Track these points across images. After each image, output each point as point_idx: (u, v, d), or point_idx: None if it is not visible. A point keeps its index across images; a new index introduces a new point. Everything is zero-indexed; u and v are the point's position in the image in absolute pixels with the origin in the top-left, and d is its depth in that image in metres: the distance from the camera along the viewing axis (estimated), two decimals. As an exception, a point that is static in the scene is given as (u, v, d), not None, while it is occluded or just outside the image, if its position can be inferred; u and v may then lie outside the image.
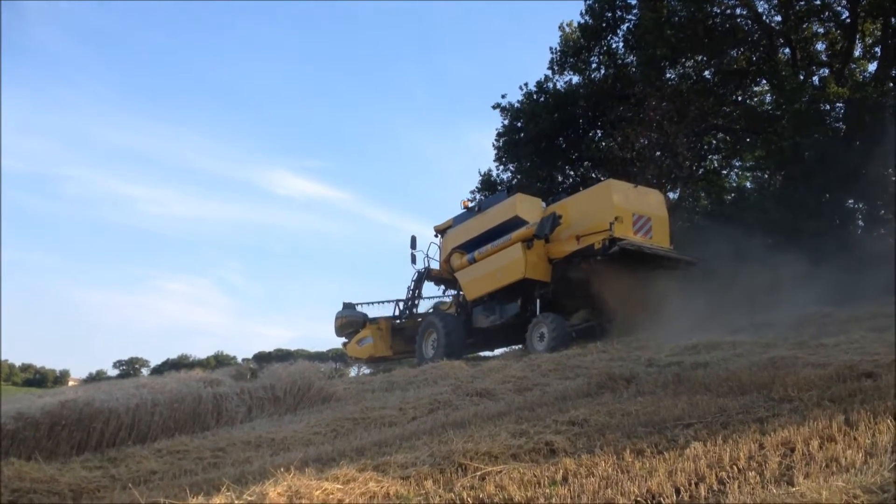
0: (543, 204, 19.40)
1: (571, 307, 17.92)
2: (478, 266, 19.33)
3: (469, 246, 19.85)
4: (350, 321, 22.13)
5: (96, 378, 76.44)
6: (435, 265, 21.68)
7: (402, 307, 22.46)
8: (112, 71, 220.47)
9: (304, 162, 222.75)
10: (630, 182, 19.86)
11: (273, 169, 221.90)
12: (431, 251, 21.96)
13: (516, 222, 18.48)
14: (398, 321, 22.22)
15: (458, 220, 21.16)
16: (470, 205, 21.75)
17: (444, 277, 21.32)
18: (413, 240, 21.97)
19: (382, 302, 22.78)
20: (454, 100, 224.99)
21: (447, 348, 18.66)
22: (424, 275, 21.95)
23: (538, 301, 18.27)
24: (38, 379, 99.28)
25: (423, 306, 22.76)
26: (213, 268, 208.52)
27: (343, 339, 22.78)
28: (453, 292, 21.61)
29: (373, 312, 22.57)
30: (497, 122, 46.24)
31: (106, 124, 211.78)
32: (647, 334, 14.62)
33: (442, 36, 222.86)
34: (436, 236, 22.10)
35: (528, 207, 18.93)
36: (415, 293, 22.35)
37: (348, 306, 22.54)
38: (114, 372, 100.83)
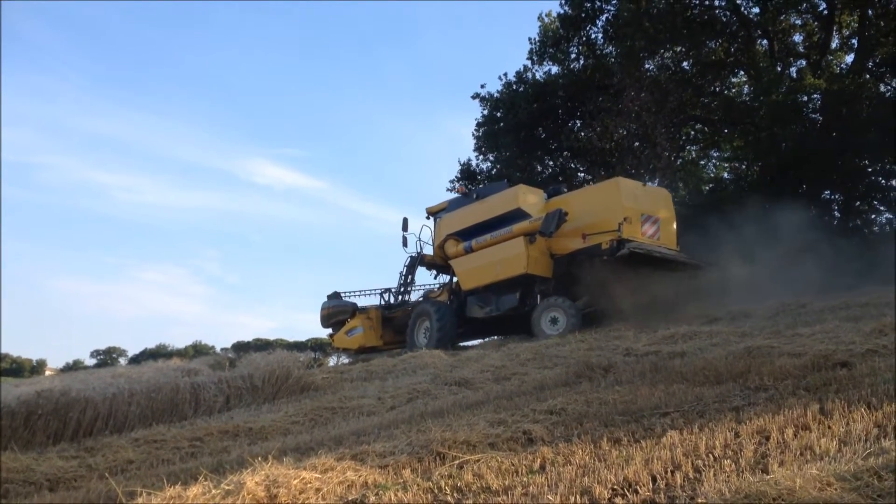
0: (545, 196, 18.96)
1: (571, 295, 17.42)
2: (475, 256, 19.00)
3: (465, 234, 19.49)
4: (338, 311, 21.74)
5: (73, 368, 76.11)
6: (428, 250, 21.33)
7: (394, 293, 21.97)
8: (88, 59, 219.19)
9: (282, 150, 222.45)
10: (637, 179, 19.65)
11: (250, 157, 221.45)
12: (424, 235, 21.60)
13: (518, 214, 18.16)
14: (388, 310, 21.69)
15: (453, 204, 20.84)
16: (466, 191, 21.42)
17: (437, 263, 20.92)
18: (405, 222, 21.56)
19: (368, 292, 22.43)
20: (433, 88, 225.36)
21: (440, 337, 18.41)
22: (418, 260, 21.56)
23: (538, 296, 17.94)
24: (14, 368, 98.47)
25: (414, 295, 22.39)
26: (189, 257, 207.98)
27: (329, 331, 22.35)
28: (444, 279, 21.28)
29: (359, 302, 22.18)
30: (476, 111, 46.20)
31: (81, 112, 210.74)
32: (642, 322, 14.57)
33: (420, 24, 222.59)
34: (427, 218, 21.71)
35: (531, 200, 18.58)
36: (407, 279, 21.96)
37: (334, 296, 22.16)
38: (91, 361, 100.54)
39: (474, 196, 20.26)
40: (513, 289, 18.21)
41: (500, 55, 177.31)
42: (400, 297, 21.78)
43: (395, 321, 21.25)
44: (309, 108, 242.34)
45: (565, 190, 20.68)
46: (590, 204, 17.61)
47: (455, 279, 20.04)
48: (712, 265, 17.59)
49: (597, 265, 16.52)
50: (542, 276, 17.63)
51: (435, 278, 21.90)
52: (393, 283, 22.15)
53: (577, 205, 17.61)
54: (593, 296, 16.75)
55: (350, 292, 22.37)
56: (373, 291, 22.33)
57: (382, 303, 21.99)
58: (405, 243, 21.42)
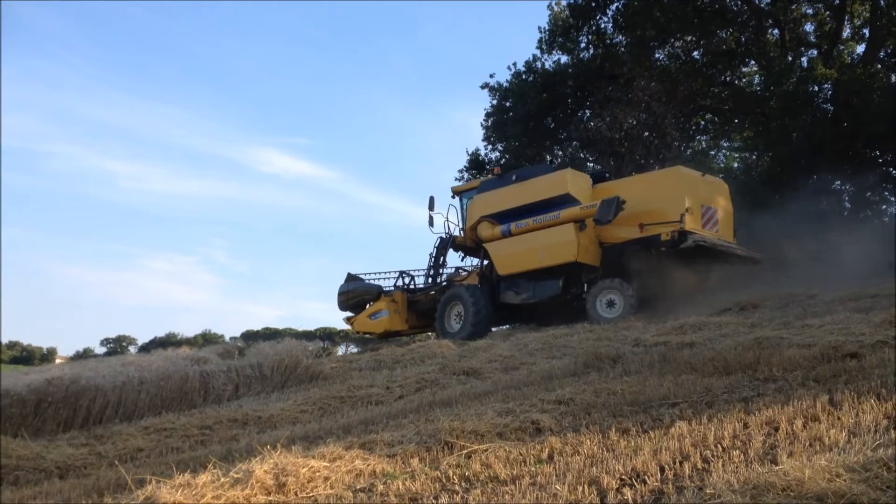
0: (591, 182, 18.28)
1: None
2: (515, 241, 18.18)
3: (501, 216, 18.68)
4: (361, 293, 20.99)
5: (83, 356, 76.53)
6: (442, 230, 20.78)
7: (425, 275, 21.08)
8: (97, 47, 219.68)
9: (290, 139, 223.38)
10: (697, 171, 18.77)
11: (259, 146, 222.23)
12: (452, 215, 20.88)
13: (566, 199, 17.40)
14: (414, 293, 20.92)
15: (486, 185, 20.00)
16: (502, 172, 20.71)
17: (467, 245, 20.15)
18: (431, 201, 20.83)
19: (385, 275, 21.63)
20: (441, 78, 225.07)
21: (476, 323, 17.92)
22: (449, 241, 20.72)
23: (585, 285, 17.39)
24: (24, 356, 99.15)
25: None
26: (198, 246, 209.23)
27: (348, 314, 21.48)
28: (472, 263, 20.78)
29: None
30: (485, 101, 46.12)
31: (90, 100, 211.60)
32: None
33: (428, 13, 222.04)
34: (453, 198, 21.04)
35: (580, 185, 17.85)
36: (438, 261, 21.03)
37: (353, 278, 21.37)
38: (101, 350, 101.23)
39: (513, 178, 19.35)
40: (555, 276, 17.61)
41: (506, 46, 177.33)
42: (430, 280, 20.97)
43: (419, 305, 20.63)
44: (316, 97, 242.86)
45: (608, 175, 20.19)
46: (647, 192, 16.98)
47: (485, 263, 19.47)
48: (770, 259, 17.27)
49: (653, 256, 16.13)
50: (590, 264, 17.06)
51: (462, 260, 21.40)
52: (400, 268, 21.49)
53: (632, 192, 16.86)
54: (645, 287, 16.22)
55: (367, 274, 21.64)
56: (389, 274, 21.57)
57: (402, 286, 21.24)
58: (431, 223, 20.70)
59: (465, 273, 21.03)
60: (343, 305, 21.29)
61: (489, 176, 20.66)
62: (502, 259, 18.46)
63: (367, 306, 20.97)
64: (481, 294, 18.58)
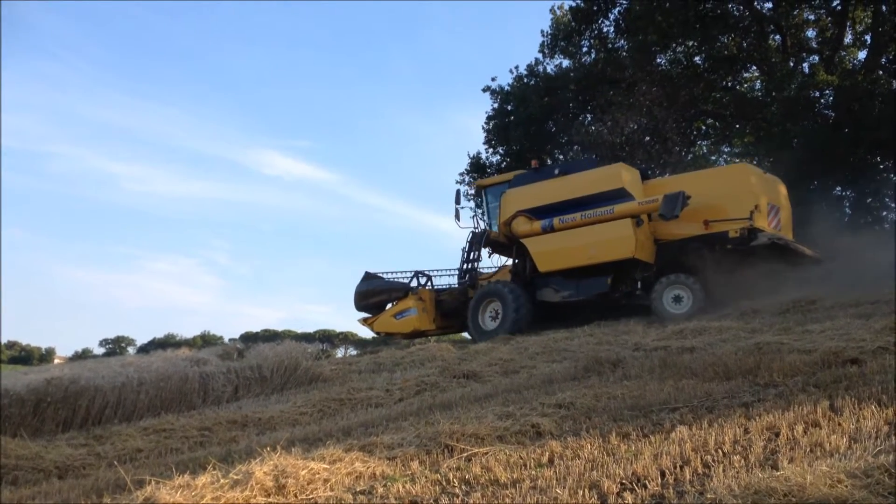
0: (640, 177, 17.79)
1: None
2: (558, 236, 17.45)
3: (540, 211, 17.94)
4: (385, 291, 20.13)
5: (82, 356, 76.60)
6: (483, 224, 20.07)
7: (458, 272, 20.17)
8: (99, 48, 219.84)
9: (292, 142, 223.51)
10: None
11: (260, 149, 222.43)
12: (481, 209, 20.01)
13: (619, 194, 16.85)
14: (440, 292, 20.05)
15: (521, 179, 19.29)
16: (539, 165, 20.10)
17: (499, 241, 19.35)
18: (458, 195, 20.37)
19: (400, 274, 20.73)
20: (442, 81, 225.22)
21: (516, 321, 17.27)
22: (482, 236, 19.81)
23: (639, 283, 16.96)
24: (23, 356, 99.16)
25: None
26: (199, 247, 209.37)
27: (364, 315, 20.55)
28: (497, 261, 19.97)
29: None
30: (486, 104, 46.14)
31: (93, 102, 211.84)
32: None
33: (431, 16, 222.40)
34: (476, 194, 20.31)
35: (633, 180, 17.37)
36: (469, 256, 20.05)
37: (372, 277, 20.49)
38: (100, 350, 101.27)
39: (556, 172, 18.69)
40: (602, 273, 16.98)
41: (508, 49, 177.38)
42: (467, 277, 19.91)
43: (443, 304, 19.78)
44: (318, 100, 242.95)
45: (649, 172, 19.74)
46: (710, 188, 16.47)
47: (519, 260, 18.75)
48: (829, 259, 16.84)
49: (716, 253, 15.69)
50: (645, 261, 16.55)
51: (489, 257, 20.65)
52: (399, 269, 20.83)
53: (693, 188, 16.17)
54: (705, 286, 15.78)
55: (388, 273, 20.72)
56: (403, 275, 20.71)
57: (426, 284, 20.38)
58: (458, 217, 20.08)
59: (495, 270, 20.20)
60: (362, 305, 20.50)
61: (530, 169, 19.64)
62: (543, 255, 17.75)
63: (390, 306, 20.20)
64: (521, 292, 17.90)
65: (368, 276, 20.54)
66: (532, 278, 18.23)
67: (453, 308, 19.48)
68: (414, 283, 20.34)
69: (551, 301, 17.89)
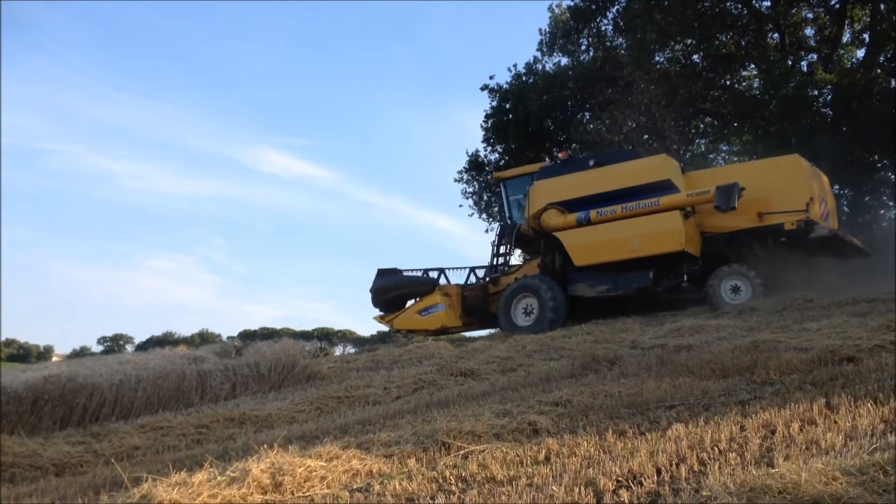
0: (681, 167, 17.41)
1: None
2: (598, 229, 16.91)
3: (573, 204, 17.41)
4: (410, 286, 19.33)
5: (80, 354, 76.52)
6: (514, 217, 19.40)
7: (488, 267, 19.43)
8: (98, 47, 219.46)
9: (290, 140, 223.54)
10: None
11: (258, 146, 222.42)
12: (508, 201, 19.56)
13: (664, 186, 16.43)
14: (468, 286, 19.41)
15: (549, 171, 18.71)
16: (569, 156, 19.59)
17: (526, 235, 18.70)
18: (488, 184, 19.91)
19: (414, 271, 19.86)
20: (441, 79, 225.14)
21: (553, 318, 16.70)
22: (514, 229, 18.86)
23: (685, 276, 16.67)
24: (21, 354, 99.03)
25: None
26: (197, 245, 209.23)
27: (379, 313, 19.72)
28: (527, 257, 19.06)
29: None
30: (484, 102, 46.20)
31: (91, 100, 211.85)
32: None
33: (428, 14, 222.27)
34: (496, 186, 19.67)
35: (677, 171, 17.02)
36: (499, 250, 19.29)
37: (390, 272, 19.67)
38: (98, 348, 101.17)
39: (590, 163, 18.06)
40: (643, 267, 16.52)
41: (507, 47, 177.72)
42: (499, 272, 19.22)
43: (466, 300, 19.06)
44: (316, 97, 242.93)
45: (682, 165, 19.30)
46: (764, 180, 16.00)
47: (547, 255, 18.26)
48: (875, 252, 16.77)
49: (768, 247, 15.52)
50: (692, 254, 16.15)
51: (508, 252, 19.59)
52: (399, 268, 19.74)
53: (741, 180, 15.61)
54: (763, 277, 15.44)
55: (409, 270, 19.87)
56: (415, 271, 19.88)
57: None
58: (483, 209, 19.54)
59: (518, 265, 19.61)
60: (379, 301, 19.64)
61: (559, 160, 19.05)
62: (580, 249, 17.16)
63: (411, 302, 19.40)
64: (557, 287, 17.32)
65: (386, 272, 19.80)
66: (563, 272, 17.77)
67: (474, 304, 18.97)
68: (437, 279, 19.62)
69: (586, 296, 17.39)
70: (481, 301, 19.03)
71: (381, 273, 19.72)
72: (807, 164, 16.71)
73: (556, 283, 17.47)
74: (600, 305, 17.21)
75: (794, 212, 15.41)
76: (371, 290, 19.61)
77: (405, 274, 19.66)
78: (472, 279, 19.98)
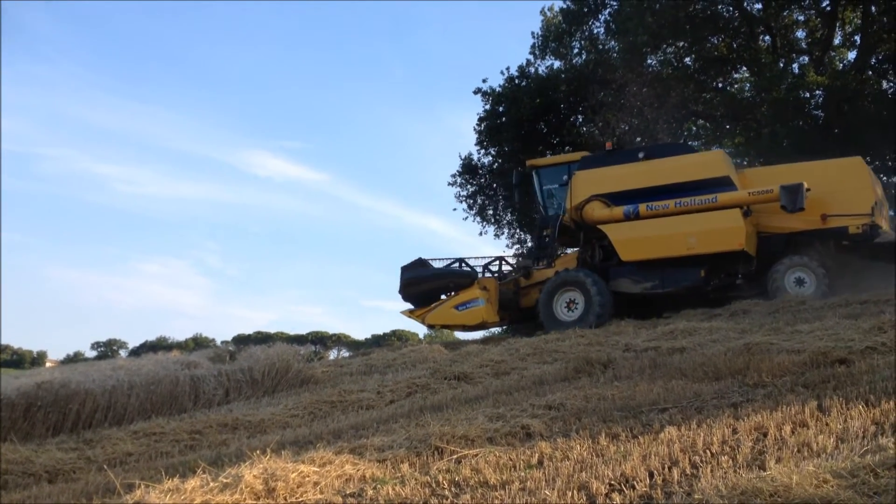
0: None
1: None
2: (648, 224, 16.50)
3: (619, 197, 16.99)
4: (445, 279, 18.56)
5: (73, 359, 76.27)
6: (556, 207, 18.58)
7: (533, 258, 18.88)
8: (89, 50, 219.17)
9: (283, 143, 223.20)
10: None
11: (251, 149, 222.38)
12: (542, 191, 18.86)
13: (721, 182, 16.09)
14: (504, 280, 18.78)
15: (592, 161, 18.20)
16: (614, 146, 19.13)
17: (567, 227, 18.01)
18: (517, 175, 19.54)
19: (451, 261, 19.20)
20: (434, 81, 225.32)
21: (601, 314, 16.13)
22: (557, 221, 18.08)
23: (739, 276, 16.19)
24: (14, 360, 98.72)
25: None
26: (190, 249, 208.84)
27: (409, 307, 19.02)
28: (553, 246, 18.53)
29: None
30: (477, 105, 46.14)
31: (82, 104, 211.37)
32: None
33: (422, 16, 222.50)
34: (529, 174, 19.07)
35: (733, 169, 16.63)
36: (542, 240, 18.66)
37: (419, 264, 18.86)
38: (91, 353, 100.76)
39: (640, 155, 17.57)
40: (694, 265, 16.07)
41: (500, 50, 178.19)
42: (541, 263, 18.55)
43: (502, 294, 18.50)
44: (309, 100, 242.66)
45: None
46: (824, 181, 15.63)
47: (587, 248, 17.83)
48: None
49: (829, 249, 15.34)
50: (749, 254, 15.79)
51: (540, 239, 18.97)
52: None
53: (805, 180, 15.21)
54: (828, 272, 15.16)
55: (438, 260, 19.12)
56: (442, 260, 19.21)
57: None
58: (516, 198, 19.25)
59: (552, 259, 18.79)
60: (411, 294, 18.87)
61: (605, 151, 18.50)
62: (628, 244, 16.69)
63: (446, 296, 18.57)
64: (602, 282, 16.70)
65: (414, 264, 18.95)
66: (603, 267, 17.35)
67: (507, 299, 18.45)
68: (476, 272, 19.03)
69: (629, 292, 16.90)
70: (514, 295, 18.61)
71: (412, 265, 18.95)
72: (868, 167, 16.46)
73: (601, 278, 16.94)
74: (641, 301, 16.99)
75: (859, 215, 15.18)
76: (401, 282, 18.90)
77: (439, 267, 18.95)
78: (486, 273, 19.36)
